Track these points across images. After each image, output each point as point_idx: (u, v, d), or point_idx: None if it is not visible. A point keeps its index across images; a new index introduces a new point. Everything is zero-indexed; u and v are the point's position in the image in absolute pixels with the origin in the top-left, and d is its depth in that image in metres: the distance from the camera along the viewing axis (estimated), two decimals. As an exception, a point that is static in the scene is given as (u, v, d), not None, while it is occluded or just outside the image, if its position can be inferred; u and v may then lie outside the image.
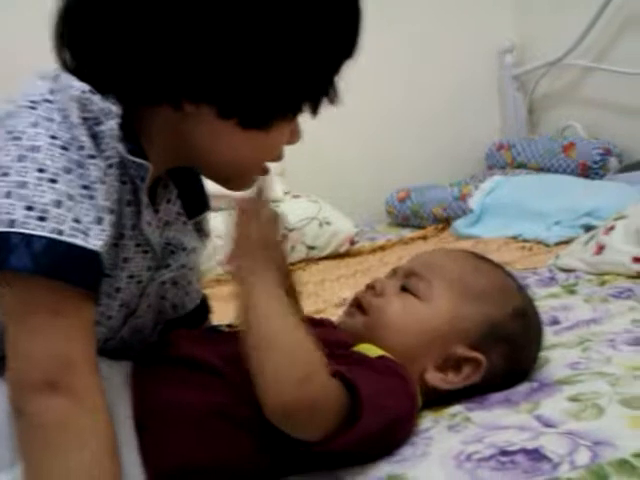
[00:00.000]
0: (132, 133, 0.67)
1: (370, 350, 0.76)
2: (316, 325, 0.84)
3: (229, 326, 0.86)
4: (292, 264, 1.93)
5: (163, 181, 0.76)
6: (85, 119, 0.63)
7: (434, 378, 0.78)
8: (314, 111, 0.71)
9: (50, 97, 0.64)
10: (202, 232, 0.84)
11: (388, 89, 2.42)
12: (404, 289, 0.83)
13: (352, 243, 2.01)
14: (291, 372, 0.64)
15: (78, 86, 0.64)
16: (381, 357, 0.75)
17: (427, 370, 0.78)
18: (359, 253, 2.01)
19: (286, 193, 2.00)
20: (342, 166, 2.39)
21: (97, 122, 0.63)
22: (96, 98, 0.63)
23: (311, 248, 1.95)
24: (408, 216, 2.33)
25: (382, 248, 2.05)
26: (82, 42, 0.67)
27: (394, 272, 0.87)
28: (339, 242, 1.98)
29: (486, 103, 2.70)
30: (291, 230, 1.93)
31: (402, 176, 2.43)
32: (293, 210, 1.95)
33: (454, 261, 0.86)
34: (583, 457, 0.61)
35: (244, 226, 0.74)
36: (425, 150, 2.55)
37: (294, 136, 0.74)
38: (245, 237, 0.73)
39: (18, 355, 0.60)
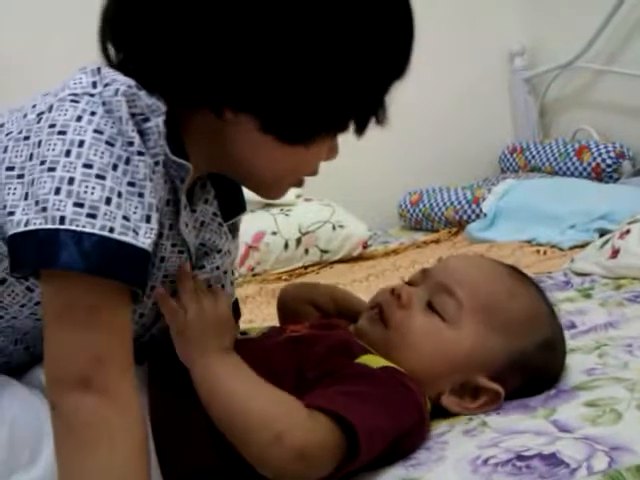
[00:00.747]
0: (175, 133, 0.66)
1: (374, 361, 0.75)
2: (328, 328, 0.84)
3: (242, 333, 0.86)
4: (305, 267, 1.94)
5: (201, 181, 0.76)
6: (132, 115, 0.62)
7: (450, 402, 0.77)
8: (360, 131, 0.70)
9: (93, 91, 0.63)
10: (236, 234, 0.83)
11: (400, 92, 2.41)
12: (431, 305, 0.79)
13: (365, 247, 2.01)
14: (265, 434, 0.63)
15: (123, 80, 0.63)
16: (385, 368, 0.74)
17: (443, 393, 0.77)
18: (372, 257, 2.01)
19: (298, 196, 2.00)
20: (354, 169, 2.38)
21: (144, 118, 0.62)
22: (142, 94, 0.63)
23: (324, 252, 1.95)
24: (420, 220, 2.33)
25: (395, 252, 2.05)
26: (130, 38, 0.66)
27: (423, 275, 0.83)
28: (352, 245, 1.98)
29: (497, 106, 2.69)
30: (304, 234, 1.93)
31: (414, 179, 2.43)
32: (306, 213, 1.96)
33: (490, 280, 0.81)
34: (600, 462, 0.61)
35: (177, 314, 0.71)
36: (437, 153, 2.55)
37: (332, 152, 0.73)
38: (183, 325, 0.71)
39: (54, 351, 0.60)
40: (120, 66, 0.66)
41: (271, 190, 0.76)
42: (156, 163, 0.63)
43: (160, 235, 0.68)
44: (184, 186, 0.68)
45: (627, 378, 0.79)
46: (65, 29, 1.97)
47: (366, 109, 0.69)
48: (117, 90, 0.62)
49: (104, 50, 0.68)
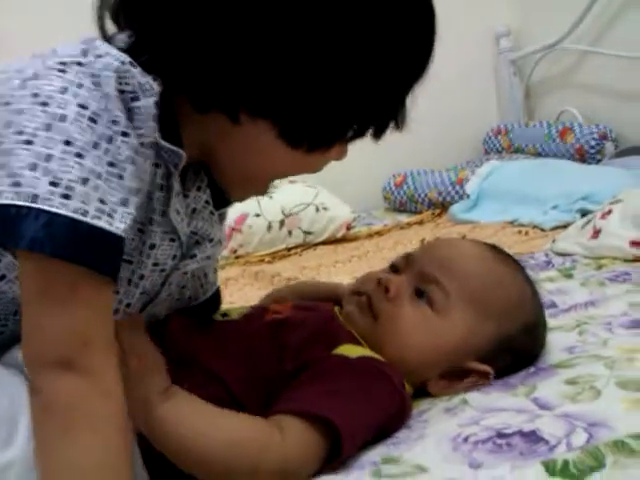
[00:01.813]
0: (170, 116, 0.63)
1: (352, 351, 0.74)
2: (311, 311, 0.83)
3: (224, 315, 0.85)
4: (288, 249, 1.94)
5: (194, 167, 0.72)
6: (122, 92, 0.59)
7: (437, 388, 0.78)
8: (379, 136, 0.68)
9: (82, 59, 0.59)
10: (223, 223, 0.80)
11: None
12: (418, 293, 0.79)
13: (349, 228, 2.01)
14: (241, 470, 0.63)
15: (117, 55, 0.59)
16: (362, 358, 0.73)
17: (430, 379, 0.77)
18: (356, 238, 2.01)
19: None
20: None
21: (134, 97, 0.59)
22: (136, 71, 0.59)
23: (308, 233, 1.95)
24: (405, 201, 2.33)
25: (379, 233, 2.05)
26: (142, 15, 0.62)
27: (407, 261, 0.83)
28: (336, 227, 1.98)
29: (483, 88, 2.69)
30: (288, 216, 1.93)
31: (398, 161, 2.42)
32: (289, 195, 1.95)
33: (477, 269, 0.81)
34: (579, 438, 0.61)
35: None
36: (421, 135, 2.51)
37: (342, 154, 0.71)
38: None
39: (33, 330, 0.58)
40: (117, 41, 0.62)
41: (251, 189, 0.74)
42: (141, 144, 0.60)
43: (150, 221, 0.66)
44: (177, 172, 0.65)
45: (606, 356, 0.80)
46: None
47: (387, 114, 0.67)
48: (109, 64, 0.59)
49: (100, 20, 0.64)
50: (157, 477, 0.68)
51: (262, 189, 0.74)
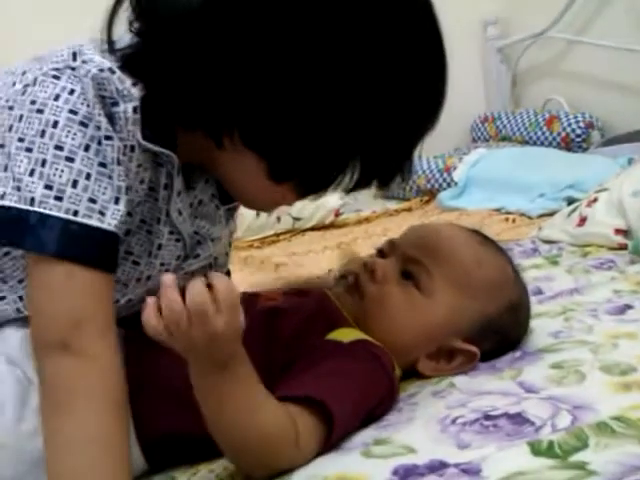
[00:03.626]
0: (160, 118, 0.64)
1: (345, 335, 0.75)
2: (304, 296, 0.84)
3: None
4: (277, 235, 1.95)
5: None
6: (102, 97, 0.61)
7: (426, 367, 0.79)
8: (384, 186, 0.68)
9: (73, 64, 0.62)
10: (231, 221, 0.81)
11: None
12: (405, 274, 0.80)
13: (337, 215, 2.02)
14: (250, 462, 0.63)
15: (98, 62, 0.62)
16: (356, 341, 0.74)
17: (419, 359, 0.79)
18: (344, 225, 2.02)
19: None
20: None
21: (113, 102, 0.62)
22: (115, 78, 0.61)
23: (296, 219, 1.96)
24: (392, 188, 2.33)
25: (367, 220, 2.07)
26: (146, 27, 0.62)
27: (391, 246, 0.84)
28: (324, 214, 1.99)
29: (470, 76, 2.70)
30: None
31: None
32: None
33: (459, 250, 0.82)
34: (564, 420, 0.63)
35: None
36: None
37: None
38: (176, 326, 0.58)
39: (36, 316, 0.62)
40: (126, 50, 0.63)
41: (248, 205, 0.75)
42: (125, 147, 0.62)
43: (158, 221, 0.68)
44: (174, 172, 0.67)
45: (591, 341, 0.81)
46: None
47: (393, 165, 0.67)
48: (88, 72, 0.61)
49: (108, 29, 0.64)
50: (156, 462, 0.70)
51: (259, 208, 0.76)
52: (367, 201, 2.35)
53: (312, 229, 1.98)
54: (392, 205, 2.22)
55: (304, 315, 0.77)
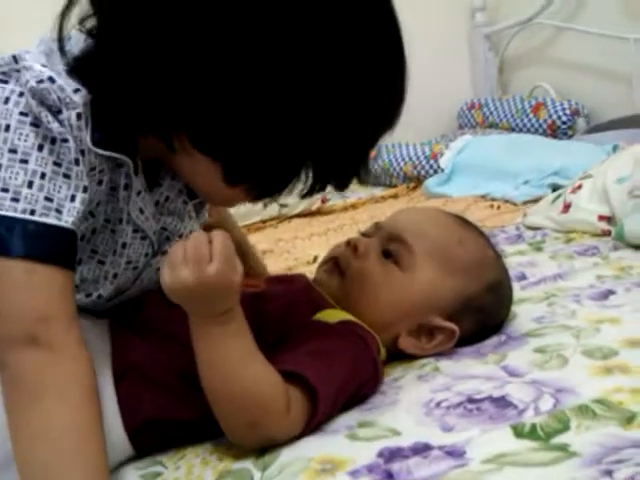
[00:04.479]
0: (110, 122, 0.63)
1: (331, 315, 0.76)
2: (286, 282, 0.85)
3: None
4: (263, 222, 1.94)
5: None
6: (48, 106, 0.61)
7: (407, 343, 0.79)
8: (341, 188, 0.68)
9: (16, 66, 0.62)
10: (202, 214, 0.80)
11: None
12: (386, 253, 0.81)
13: (324, 201, 2.02)
14: (239, 419, 0.64)
15: (36, 73, 0.61)
16: (342, 322, 0.75)
17: (400, 336, 0.79)
18: (331, 211, 2.03)
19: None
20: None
21: (57, 110, 0.61)
22: (55, 87, 0.60)
23: (283, 206, 1.96)
24: (379, 175, 2.34)
25: (354, 206, 2.07)
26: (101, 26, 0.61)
27: (376, 227, 0.86)
28: (311, 200, 1.99)
29: (457, 62, 2.70)
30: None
31: (373, 135, 2.43)
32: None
33: (440, 230, 0.84)
34: (546, 403, 0.64)
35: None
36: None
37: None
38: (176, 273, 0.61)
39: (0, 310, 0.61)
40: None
41: (215, 204, 0.77)
42: (79, 150, 0.62)
43: (120, 220, 0.68)
44: (132, 173, 0.66)
45: (574, 326, 0.82)
46: None
47: (348, 169, 0.66)
48: (27, 82, 0.61)
49: (60, 28, 0.63)
50: (142, 447, 0.70)
51: (219, 205, 0.76)
52: (353, 188, 2.36)
53: (298, 216, 1.98)
54: (378, 192, 2.22)
55: (288, 300, 0.77)
